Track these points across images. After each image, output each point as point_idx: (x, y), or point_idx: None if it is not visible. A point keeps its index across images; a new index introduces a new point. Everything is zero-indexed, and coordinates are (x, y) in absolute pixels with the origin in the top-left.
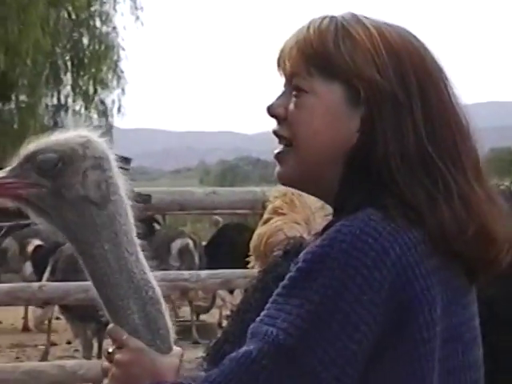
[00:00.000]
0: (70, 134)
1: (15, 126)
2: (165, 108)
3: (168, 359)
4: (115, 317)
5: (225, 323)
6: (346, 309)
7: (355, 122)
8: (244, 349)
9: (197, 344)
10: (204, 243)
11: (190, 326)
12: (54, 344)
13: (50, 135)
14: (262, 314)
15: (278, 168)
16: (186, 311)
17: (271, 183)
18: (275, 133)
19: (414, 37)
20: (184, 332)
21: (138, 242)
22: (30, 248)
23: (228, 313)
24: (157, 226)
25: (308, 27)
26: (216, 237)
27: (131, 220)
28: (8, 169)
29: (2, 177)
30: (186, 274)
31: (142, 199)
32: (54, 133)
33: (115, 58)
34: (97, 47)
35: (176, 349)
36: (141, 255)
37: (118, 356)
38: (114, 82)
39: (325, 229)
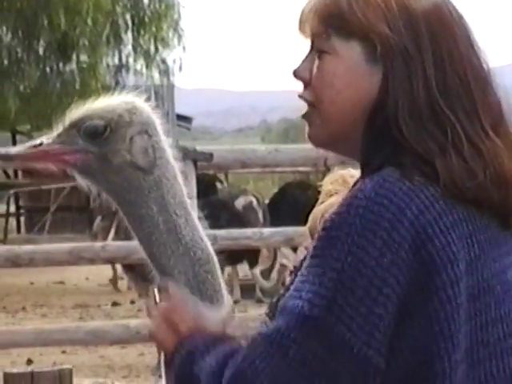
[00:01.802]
0: (115, 100)
1: (76, 86)
2: (227, 67)
3: (215, 312)
4: (162, 276)
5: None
6: (368, 273)
7: (376, 79)
8: (273, 324)
9: (260, 302)
10: (267, 201)
11: (253, 284)
12: (117, 304)
13: (96, 101)
14: (291, 288)
15: (307, 130)
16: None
17: None
18: (300, 97)
19: None
20: (248, 290)
21: (188, 202)
22: None
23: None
24: (219, 185)
25: None
26: (278, 195)
27: (180, 182)
28: (53, 135)
29: (48, 143)
30: (249, 231)
31: (205, 157)
32: (105, 96)
33: (176, 16)
34: (157, 6)
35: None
36: (191, 216)
37: (163, 304)
38: (175, 41)
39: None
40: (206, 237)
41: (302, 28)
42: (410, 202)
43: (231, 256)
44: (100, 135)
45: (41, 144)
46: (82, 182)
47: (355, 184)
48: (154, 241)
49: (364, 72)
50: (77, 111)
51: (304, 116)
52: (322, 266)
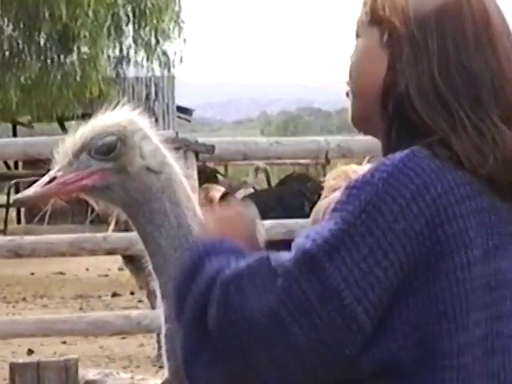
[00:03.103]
0: (110, 116)
1: (77, 78)
2: (227, 60)
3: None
4: (162, 267)
5: None
6: (378, 234)
7: (385, 64)
8: (282, 254)
9: None
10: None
11: None
12: (117, 295)
13: (86, 125)
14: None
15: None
16: None
17: (333, 133)
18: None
19: None
20: None
21: (194, 196)
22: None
23: None
24: (220, 177)
25: None
26: (280, 186)
27: (183, 177)
28: (62, 165)
29: (62, 175)
30: None
31: (206, 149)
32: (90, 119)
33: (176, 8)
34: None
35: None
36: (198, 209)
37: (227, 206)
38: (176, 33)
39: None
40: None
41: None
42: (437, 179)
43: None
44: (114, 149)
45: (54, 178)
46: (94, 201)
47: None
48: (163, 232)
49: (378, 56)
50: (77, 138)
51: (347, 95)
52: (336, 218)
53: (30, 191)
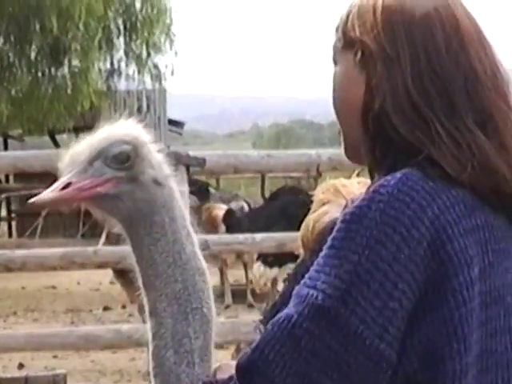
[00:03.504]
0: (120, 127)
1: (68, 91)
2: (218, 72)
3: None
4: (154, 282)
5: (280, 286)
6: (385, 267)
7: (362, 81)
8: (285, 312)
9: (252, 307)
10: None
11: (245, 289)
12: (108, 308)
13: (95, 134)
14: (306, 276)
15: None
16: (241, 274)
17: (325, 146)
18: None
19: None
20: (239, 295)
21: (187, 216)
22: (221, 212)
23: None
24: (212, 190)
25: None
26: (271, 200)
27: (179, 196)
28: (76, 171)
29: (77, 181)
30: (241, 237)
31: (198, 162)
32: (98, 127)
33: (168, 21)
34: (149, 10)
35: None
36: (191, 229)
37: None
38: (167, 46)
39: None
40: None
41: None
42: (432, 201)
43: (277, 259)
44: (129, 159)
45: (69, 183)
46: (98, 212)
47: (367, 190)
48: (158, 246)
49: (355, 79)
50: (91, 145)
51: (339, 133)
52: (339, 258)
53: (46, 195)
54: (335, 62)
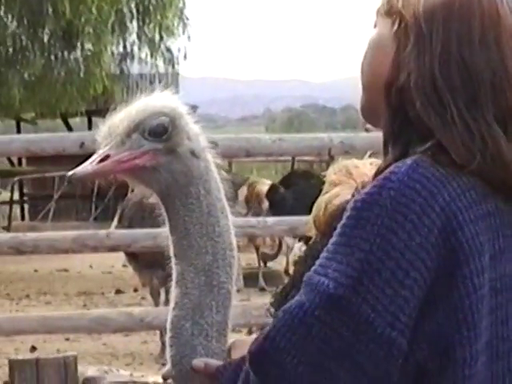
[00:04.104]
0: (158, 99)
1: (81, 75)
2: (232, 56)
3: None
4: (185, 252)
5: (291, 270)
6: (396, 255)
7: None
8: (296, 299)
9: (263, 291)
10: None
11: (256, 272)
12: (120, 292)
13: (132, 104)
14: (316, 262)
15: None
16: (253, 258)
17: (337, 130)
18: None
19: None
20: (251, 279)
21: (223, 189)
22: (264, 188)
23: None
24: (223, 173)
25: None
26: (283, 183)
27: (215, 167)
28: (114, 143)
29: (116, 153)
30: (253, 220)
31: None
32: (134, 100)
33: (180, 4)
34: None
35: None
36: (226, 203)
37: None
38: (180, 29)
39: (375, 175)
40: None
41: None
42: (443, 188)
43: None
44: (166, 131)
45: (108, 156)
46: (137, 185)
47: (377, 172)
48: (193, 217)
49: (386, 48)
50: (129, 117)
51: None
52: (350, 246)
53: (85, 168)
54: (374, 25)
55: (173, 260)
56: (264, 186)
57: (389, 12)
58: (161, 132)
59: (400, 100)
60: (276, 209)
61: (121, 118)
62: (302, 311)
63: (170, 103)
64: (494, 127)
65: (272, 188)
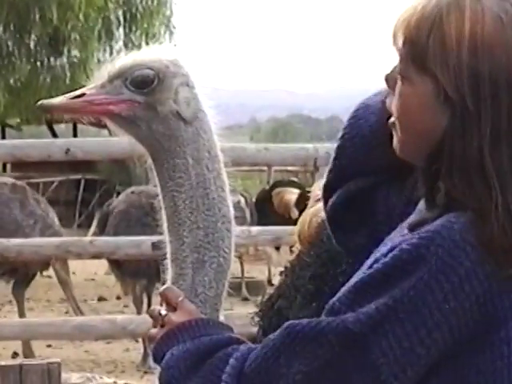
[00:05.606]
0: (158, 51)
1: (67, 81)
2: (217, 65)
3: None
4: (177, 229)
5: (275, 280)
6: (425, 313)
7: (444, 118)
8: (316, 319)
9: (246, 300)
10: (254, 200)
11: (239, 282)
12: (103, 299)
13: (137, 52)
14: (343, 290)
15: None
16: (236, 267)
17: (322, 141)
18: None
19: None
20: (234, 288)
21: (220, 158)
22: (293, 197)
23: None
24: None
25: (415, 7)
26: (267, 193)
27: (215, 136)
28: (95, 85)
29: (92, 93)
30: (237, 230)
31: None
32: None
33: (168, 13)
34: (149, 2)
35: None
36: (223, 171)
37: (171, 316)
38: (167, 38)
39: (419, 224)
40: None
41: (394, 41)
42: (489, 256)
43: None
44: (149, 84)
45: (83, 94)
46: (119, 133)
47: (422, 221)
48: (182, 192)
49: (435, 110)
50: (119, 63)
51: (391, 124)
52: (383, 290)
53: (56, 100)
54: (404, 77)
55: (166, 236)
56: (293, 195)
57: (424, 69)
58: (143, 84)
59: (439, 174)
60: None
61: (113, 64)
62: (318, 330)
63: (164, 59)
64: None
65: (301, 197)
